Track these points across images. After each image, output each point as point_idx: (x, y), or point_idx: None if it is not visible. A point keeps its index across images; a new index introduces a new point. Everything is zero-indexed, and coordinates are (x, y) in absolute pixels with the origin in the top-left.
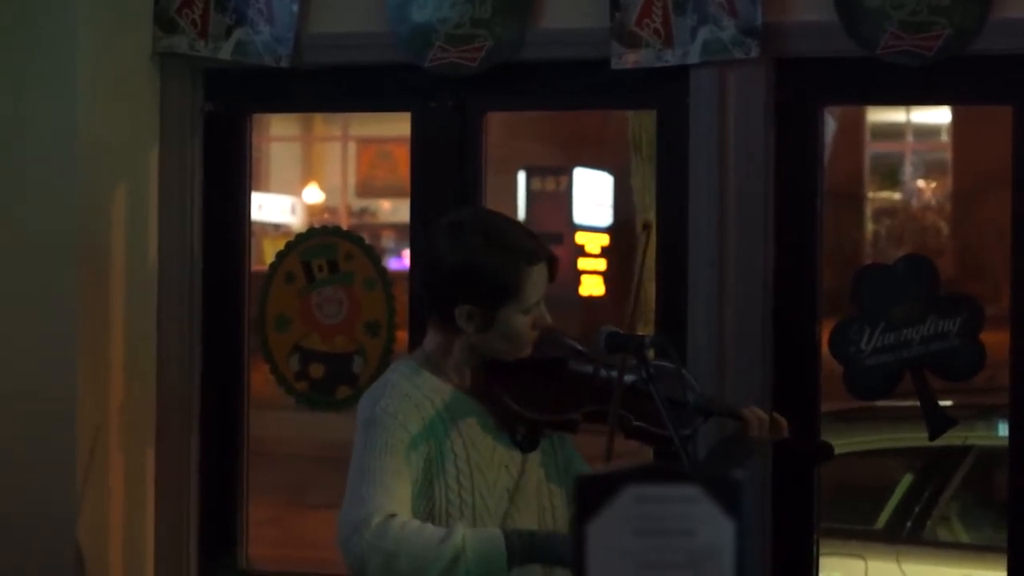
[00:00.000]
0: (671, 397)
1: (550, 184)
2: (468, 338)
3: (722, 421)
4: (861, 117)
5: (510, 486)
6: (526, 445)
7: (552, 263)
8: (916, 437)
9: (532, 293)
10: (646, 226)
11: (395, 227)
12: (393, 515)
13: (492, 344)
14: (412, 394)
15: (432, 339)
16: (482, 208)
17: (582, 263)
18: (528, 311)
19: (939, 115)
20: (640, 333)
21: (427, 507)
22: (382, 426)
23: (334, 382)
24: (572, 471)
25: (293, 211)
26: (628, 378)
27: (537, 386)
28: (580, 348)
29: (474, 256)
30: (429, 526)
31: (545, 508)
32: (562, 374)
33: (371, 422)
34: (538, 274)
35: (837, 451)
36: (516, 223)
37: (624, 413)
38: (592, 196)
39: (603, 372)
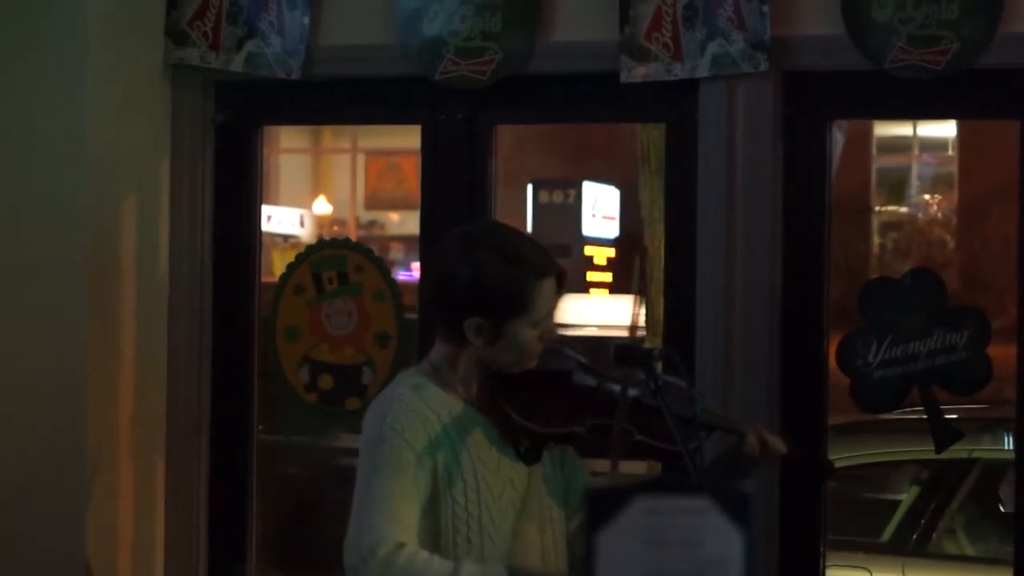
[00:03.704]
0: (678, 412)
1: (558, 197)
2: (475, 350)
3: (723, 435)
4: (868, 131)
5: (515, 500)
6: (530, 458)
7: (561, 277)
8: (922, 450)
9: (541, 307)
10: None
11: (404, 239)
12: (401, 544)
13: (499, 357)
14: (418, 408)
15: (438, 351)
16: (493, 221)
17: (589, 275)
18: (536, 325)
19: (945, 129)
20: (648, 346)
21: (434, 522)
22: (388, 444)
23: (343, 393)
24: (575, 484)
25: (302, 223)
26: (632, 392)
27: (541, 399)
28: (584, 361)
29: (485, 270)
30: (436, 559)
31: (546, 522)
32: (566, 387)
33: (377, 440)
34: (547, 288)
35: (843, 464)
36: (527, 237)
37: (627, 427)
38: (600, 209)
39: (607, 385)
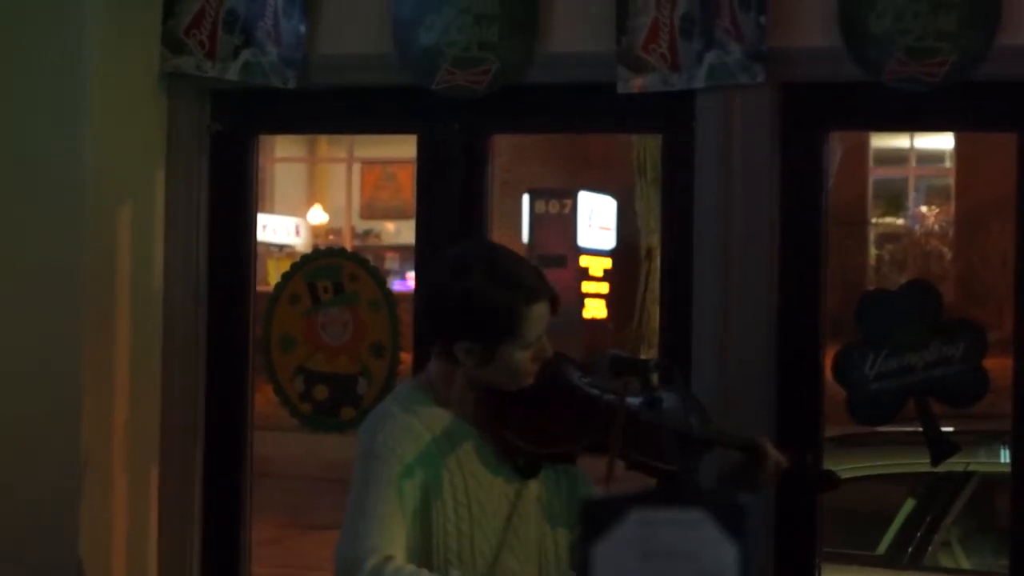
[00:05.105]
0: (676, 428)
1: (554, 207)
2: (468, 371)
3: (726, 451)
4: (864, 142)
5: (509, 515)
6: (527, 472)
7: (554, 300)
8: (918, 463)
9: (532, 330)
10: (649, 252)
11: (399, 249)
12: (389, 558)
13: (492, 377)
14: (412, 426)
15: (435, 367)
16: (488, 242)
17: (585, 286)
18: (528, 347)
19: (942, 141)
20: (644, 357)
21: (425, 538)
22: (380, 459)
23: (338, 403)
24: (577, 495)
25: (297, 232)
26: (631, 400)
27: (536, 418)
28: (583, 376)
29: (475, 294)
30: (424, 572)
31: (546, 534)
32: (562, 405)
33: (369, 454)
34: (538, 312)
35: (839, 476)
36: (520, 259)
37: (624, 449)
38: (596, 219)
39: (605, 401)
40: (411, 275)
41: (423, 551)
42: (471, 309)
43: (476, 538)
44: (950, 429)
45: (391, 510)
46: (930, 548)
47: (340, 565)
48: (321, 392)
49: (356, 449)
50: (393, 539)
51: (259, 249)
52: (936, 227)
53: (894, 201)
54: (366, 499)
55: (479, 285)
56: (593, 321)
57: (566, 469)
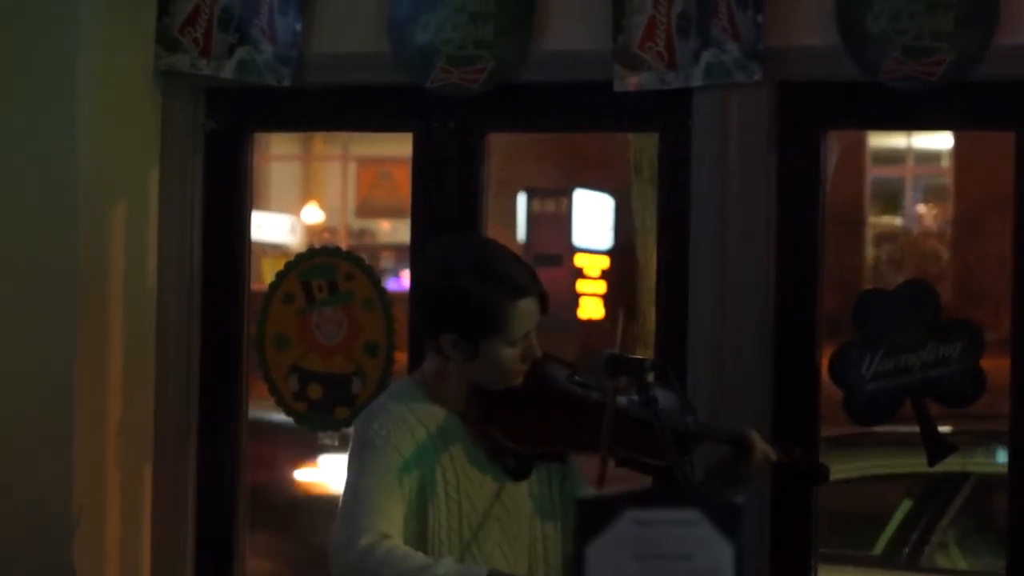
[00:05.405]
0: (669, 425)
1: (550, 206)
2: (459, 366)
3: (714, 445)
4: (862, 142)
5: (500, 515)
6: (517, 474)
7: (542, 298)
8: (915, 463)
9: (518, 327)
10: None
11: (394, 248)
12: (385, 536)
13: (480, 374)
14: (407, 419)
15: (429, 363)
16: (478, 236)
17: (581, 285)
18: (515, 344)
19: (940, 140)
20: (640, 356)
21: (421, 531)
22: (375, 448)
23: (332, 403)
24: (569, 490)
25: (293, 231)
26: (620, 403)
27: (525, 418)
28: (572, 375)
29: (460, 287)
30: (418, 555)
31: (536, 539)
32: (550, 405)
33: (365, 445)
34: (524, 309)
35: (836, 476)
36: (510, 255)
37: (615, 448)
38: (593, 218)
39: (593, 400)
40: (406, 274)
41: (419, 545)
42: (455, 303)
43: (465, 535)
44: (947, 429)
45: (387, 495)
46: (927, 549)
47: (335, 547)
48: (315, 391)
49: (351, 441)
50: (390, 521)
51: (253, 248)
52: (934, 227)
53: (891, 200)
54: (361, 486)
55: (464, 280)
56: (589, 321)
57: (559, 467)
